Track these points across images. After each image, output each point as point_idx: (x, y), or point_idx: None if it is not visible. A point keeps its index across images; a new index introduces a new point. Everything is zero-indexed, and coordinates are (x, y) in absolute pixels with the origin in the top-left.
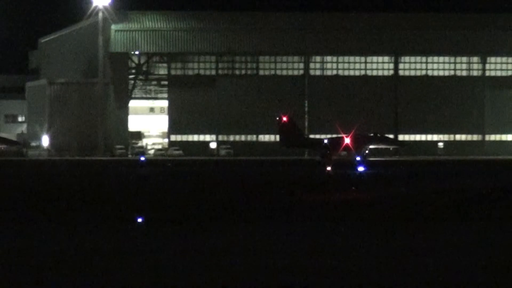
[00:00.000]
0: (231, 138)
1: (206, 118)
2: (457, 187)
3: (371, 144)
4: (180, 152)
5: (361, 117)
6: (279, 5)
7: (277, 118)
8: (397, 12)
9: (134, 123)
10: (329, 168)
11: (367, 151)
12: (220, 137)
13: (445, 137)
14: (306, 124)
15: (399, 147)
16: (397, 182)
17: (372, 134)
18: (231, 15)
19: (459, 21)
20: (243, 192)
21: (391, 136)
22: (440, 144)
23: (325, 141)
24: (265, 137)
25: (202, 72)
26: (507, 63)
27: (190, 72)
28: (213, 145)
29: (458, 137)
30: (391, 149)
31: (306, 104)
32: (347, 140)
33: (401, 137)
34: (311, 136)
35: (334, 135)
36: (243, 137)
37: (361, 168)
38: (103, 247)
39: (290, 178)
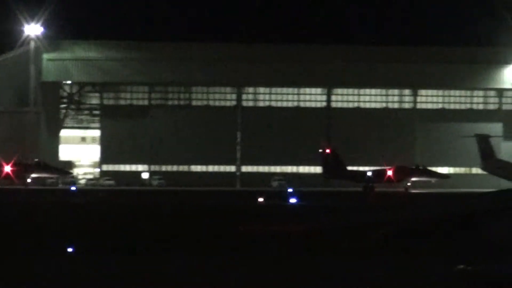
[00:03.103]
0: (163, 168)
1: (139, 148)
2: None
3: (413, 176)
4: (112, 182)
5: (293, 148)
6: (212, 36)
7: (320, 150)
8: (329, 44)
9: (65, 153)
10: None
11: (409, 184)
12: (152, 167)
13: (376, 169)
14: (238, 155)
15: (441, 179)
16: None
17: (414, 167)
18: (164, 45)
19: (391, 54)
20: (168, 222)
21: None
22: (369, 173)
23: (369, 173)
24: (197, 168)
25: (135, 102)
26: (437, 95)
27: (123, 102)
28: (145, 175)
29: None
30: (433, 181)
31: (239, 135)
32: (390, 172)
33: None
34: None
35: (354, 168)
36: (175, 168)
37: (293, 200)
38: (35, 276)
39: (220, 210)
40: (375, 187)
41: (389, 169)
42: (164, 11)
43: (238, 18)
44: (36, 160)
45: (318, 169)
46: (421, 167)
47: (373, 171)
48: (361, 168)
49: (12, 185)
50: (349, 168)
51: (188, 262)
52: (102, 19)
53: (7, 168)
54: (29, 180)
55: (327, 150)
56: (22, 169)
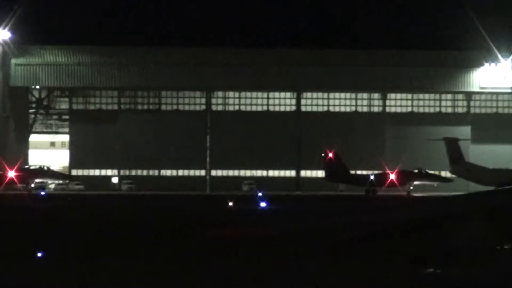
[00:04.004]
0: (133, 172)
1: (108, 153)
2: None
3: (416, 180)
4: (81, 187)
5: (263, 152)
6: (181, 40)
7: (323, 154)
8: (299, 48)
9: (34, 158)
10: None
11: (411, 187)
12: (122, 172)
13: (379, 173)
14: (208, 159)
15: (443, 183)
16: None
17: (416, 170)
18: (133, 49)
19: (360, 57)
20: (138, 227)
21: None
22: (372, 177)
23: (371, 177)
24: (166, 172)
25: (104, 106)
26: (406, 99)
27: (92, 107)
28: (115, 180)
29: (359, 173)
30: (435, 185)
31: (208, 140)
32: (393, 176)
33: (303, 173)
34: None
35: (357, 172)
36: (145, 172)
37: (262, 204)
38: (3, 283)
39: (190, 214)
40: (377, 191)
41: (392, 173)
42: (133, 16)
43: (206, 22)
44: (40, 165)
45: (288, 173)
46: (423, 171)
47: (376, 175)
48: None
49: (16, 191)
50: (352, 172)
51: (153, 267)
52: (71, 24)
53: (11, 173)
54: (32, 185)
55: (330, 154)
56: (25, 174)
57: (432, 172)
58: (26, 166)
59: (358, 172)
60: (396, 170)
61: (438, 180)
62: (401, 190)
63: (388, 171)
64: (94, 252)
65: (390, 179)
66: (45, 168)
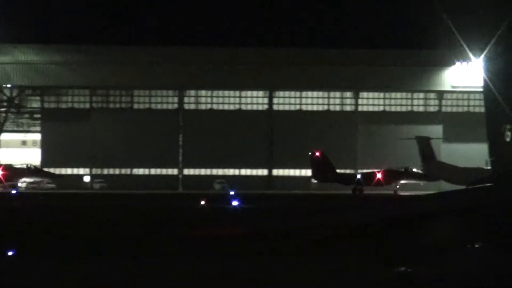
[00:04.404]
0: (105, 171)
1: (80, 152)
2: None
3: (402, 179)
4: (53, 185)
5: (235, 151)
6: (153, 39)
7: (310, 153)
8: (271, 47)
9: (5, 156)
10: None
11: (398, 186)
12: (94, 171)
13: (366, 171)
14: (180, 158)
15: (429, 181)
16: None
17: (403, 170)
18: (105, 48)
19: (333, 56)
20: (105, 226)
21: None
22: (358, 176)
23: (358, 176)
24: (139, 171)
25: (76, 105)
26: (378, 98)
27: (64, 106)
28: (86, 179)
29: (347, 171)
30: (421, 184)
31: (181, 138)
32: (379, 175)
33: (275, 172)
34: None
35: (345, 170)
36: (117, 171)
37: (234, 203)
38: None
39: (164, 212)
40: (363, 190)
41: (378, 172)
42: (104, 14)
43: (178, 20)
44: (26, 164)
45: (260, 172)
46: (409, 170)
47: (362, 174)
48: (303, 172)
49: (3, 189)
50: (339, 171)
51: (126, 266)
52: (42, 23)
53: None
54: (19, 185)
55: (317, 153)
56: (12, 173)
57: (417, 171)
58: (10, 164)
59: (346, 171)
60: (383, 169)
61: (424, 179)
62: (387, 189)
63: (374, 170)
64: (67, 251)
65: (376, 178)
66: (32, 167)
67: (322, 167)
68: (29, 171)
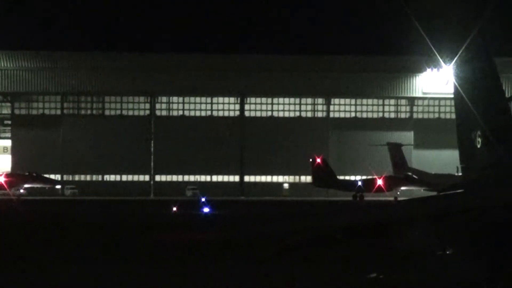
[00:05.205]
0: (76, 178)
1: (51, 158)
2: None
3: (403, 185)
4: (23, 191)
5: (207, 157)
6: (124, 45)
7: (311, 160)
8: (242, 53)
9: None
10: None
11: (398, 193)
12: (65, 177)
13: (291, 179)
14: (152, 164)
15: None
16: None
17: (403, 176)
18: (76, 54)
19: (304, 63)
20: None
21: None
22: (286, 185)
23: (359, 182)
24: (110, 177)
25: (47, 111)
26: (350, 104)
27: (35, 112)
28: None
29: (303, 178)
30: (422, 190)
31: (152, 144)
32: (380, 182)
33: (246, 178)
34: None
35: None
36: (88, 177)
37: (206, 209)
38: None
39: (135, 219)
40: (364, 197)
41: (379, 178)
42: (76, 21)
43: (150, 27)
44: (29, 171)
45: (232, 178)
46: (410, 177)
47: (363, 181)
48: (275, 178)
49: (5, 196)
50: (340, 177)
51: (97, 272)
52: (13, 29)
53: (0, 179)
54: (21, 191)
55: (318, 160)
56: (15, 180)
57: (417, 177)
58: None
59: (346, 177)
60: (383, 176)
61: (425, 186)
62: (388, 196)
63: (375, 176)
64: (39, 257)
65: (377, 185)
66: (34, 174)
67: (322, 173)
68: (32, 177)
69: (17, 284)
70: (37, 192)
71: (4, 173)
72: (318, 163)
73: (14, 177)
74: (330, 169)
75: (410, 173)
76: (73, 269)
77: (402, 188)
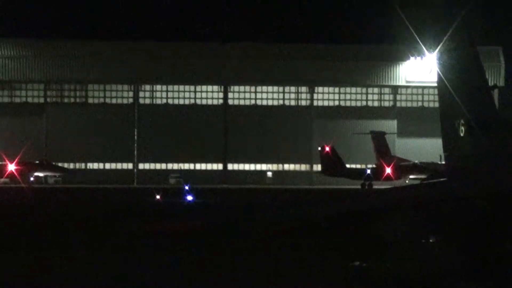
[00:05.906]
0: (60, 165)
1: (35, 146)
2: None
3: (412, 173)
4: (6, 180)
5: (190, 145)
6: (108, 33)
7: (319, 148)
8: (225, 41)
9: None
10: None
11: (407, 181)
12: None
13: (274, 167)
14: (135, 152)
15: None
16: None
17: (412, 164)
18: (59, 42)
19: (288, 51)
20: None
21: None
22: (269, 174)
23: (368, 171)
24: (93, 165)
25: (30, 100)
26: (333, 93)
27: (18, 100)
28: (41, 173)
29: (286, 166)
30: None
31: (136, 133)
32: (388, 170)
33: (230, 166)
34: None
35: (369, 165)
36: (71, 165)
37: (189, 197)
38: None
39: (119, 206)
40: (373, 185)
41: (388, 166)
42: (58, 8)
43: (133, 15)
44: (40, 159)
45: (215, 166)
46: (419, 165)
47: (372, 169)
48: (258, 167)
49: (16, 184)
50: (348, 166)
51: (81, 262)
52: None
53: (11, 167)
54: (32, 179)
55: (327, 148)
56: (26, 168)
57: (425, 165)
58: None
59: (353, 165)
60: (392, 163)
61: (431, 173)
62: (396, 184)
63: (384, 164)
64: (21, 247)
65: (386, 173)
66: (44, 162)
67: (332, 162)
68: (41, 165)
69: None
70: (17, 180)
71: (16, 161)
72: (327, 151)
73: (25, 165)
74: (339, 157)
75: (417, 162)
76: (55, 257)
77: (411, 176)
